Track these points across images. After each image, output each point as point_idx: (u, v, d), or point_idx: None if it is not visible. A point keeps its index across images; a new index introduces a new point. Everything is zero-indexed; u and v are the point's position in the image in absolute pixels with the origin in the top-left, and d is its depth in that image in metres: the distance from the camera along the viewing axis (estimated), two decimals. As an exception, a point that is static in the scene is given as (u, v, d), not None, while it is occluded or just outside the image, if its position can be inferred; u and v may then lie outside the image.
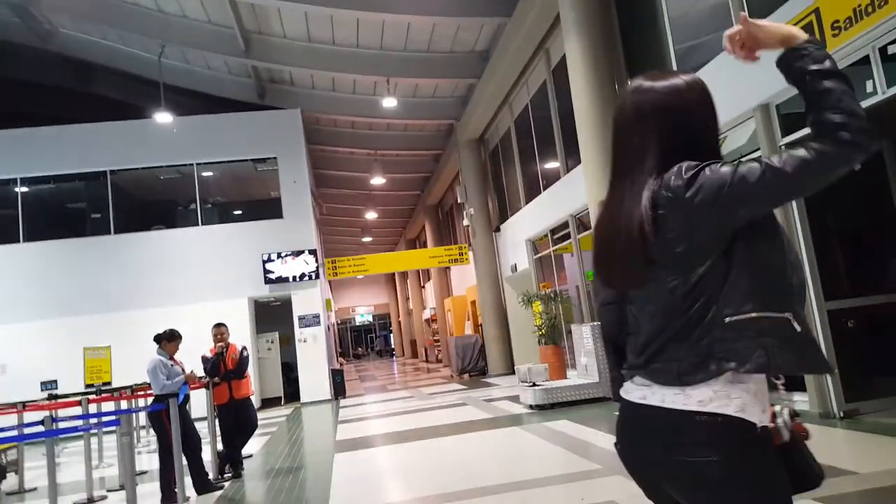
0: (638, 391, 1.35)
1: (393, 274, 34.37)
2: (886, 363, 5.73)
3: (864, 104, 5.04)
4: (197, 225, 14.77)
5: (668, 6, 7.79)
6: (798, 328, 1.23)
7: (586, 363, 8.88)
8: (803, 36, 1.25)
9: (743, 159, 1.23)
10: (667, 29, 7.81)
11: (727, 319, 1.23)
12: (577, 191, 9.31)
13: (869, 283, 5.98)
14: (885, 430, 5.03)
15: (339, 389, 14.61)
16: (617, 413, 1.42)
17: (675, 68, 7.64)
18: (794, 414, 1.35)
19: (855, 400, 5.52)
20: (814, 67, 1.21)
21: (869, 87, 4.93)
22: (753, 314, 1.22)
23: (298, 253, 14.53)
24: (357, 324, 43.78)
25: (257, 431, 7.36)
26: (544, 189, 12.28)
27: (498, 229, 15.43)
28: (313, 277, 14.53)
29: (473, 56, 13.36)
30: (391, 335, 41.61)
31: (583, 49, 8.61)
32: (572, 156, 10.11)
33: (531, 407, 8.64)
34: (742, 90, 5.90)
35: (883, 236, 6.21)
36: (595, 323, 8.97)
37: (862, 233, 6.30)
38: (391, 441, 7.85)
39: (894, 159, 5.97)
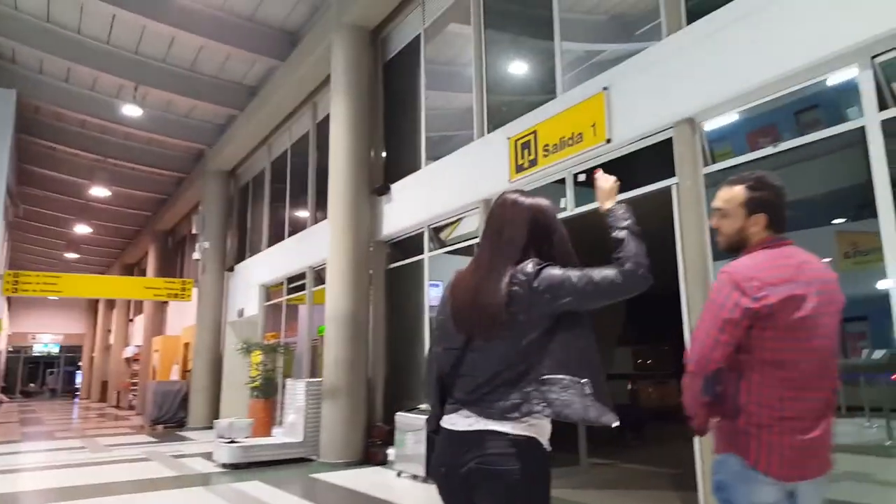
0: (465, 420, 1.81)
1: (96, 301, 29.94)
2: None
3: (560, 216, 6.04)
4: None
5: (425, 100, 8.56)
6: (589, 391, 1.73)
7: (293, 421, 8.63)
8: (612, 203, 1.94)
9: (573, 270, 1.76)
10: (422, 118, 8.54)
11: (543, 377, 1.74)
12: (321, 243, 9.35)
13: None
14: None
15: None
16: (429, 440, 1.98)
17: (423, 152, 8.34)
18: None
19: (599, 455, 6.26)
20: (621, 224, 1.84)
21: (563, 203, 5.94)
22: (560, 376, 1.74)
23: (-30, 255, 11.81)
24: (36, 354, 36.35)
25: None
26: (289, 235, 12.08)
27: (231, 269, 14.60)
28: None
29: (241, 88, 12.90)
30: (78, 372, 35.54)
31: (347, 114, 8.93)
32: (322, 208, 10.18)
33: (224, 466, 8.00)
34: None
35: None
36: (312, 379, 8.85)
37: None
38: (41, 500, 6.53)
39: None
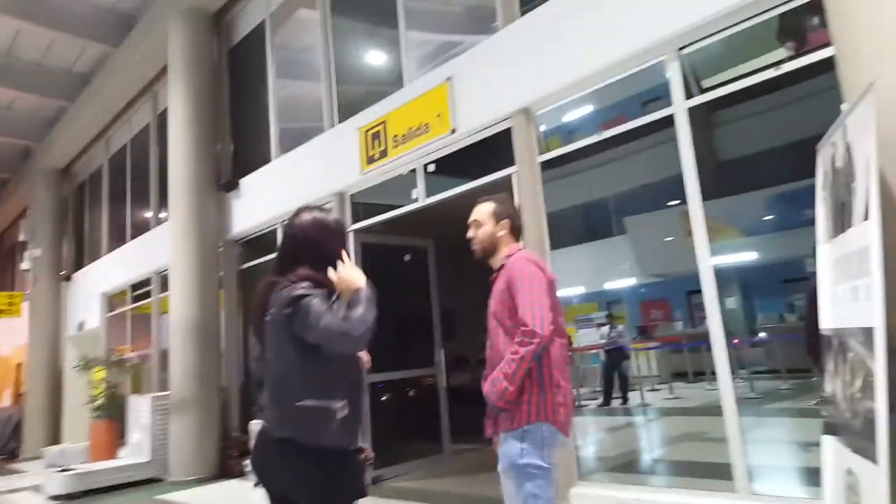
0: (266, 425, 2.02)
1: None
2: (411, 429, 6.60)
3: (410, 208, 5.98)
4: None
5: (275, 89, 8.15)
6: (332, 412, 1.89)
7: (139, 440, 7.90)
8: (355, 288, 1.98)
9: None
10: (272, 108, 8.12)
11: (297, 399, 1.89)
12: (166, 246, 8.61)
13: (403, 361, 6.92)
14: (402, 495, 5.66)
15: None
16: None
17: (274, 144, 7.94)
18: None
19: (380, 466, 6.14)
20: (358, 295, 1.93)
21: (414, 194, 5.88)
22: (308, 401, 1.89)
23: None
24: None
25: None
26: (132, 238, 11.05)
27: (68, 278, 13.15)
28: None
29: (71, 77, 11.55)
30: None
31: (187, 104, 8.28)
32: (167, 208, 9.40)
33: (56, 498, 7.13)
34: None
35: (421, 323, 7.33)
36: (158, 393, 8.15)
37: (406, 319, 7.34)
38: None
39: (434, 259, 7.19)
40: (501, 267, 2.44)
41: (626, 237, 12.58)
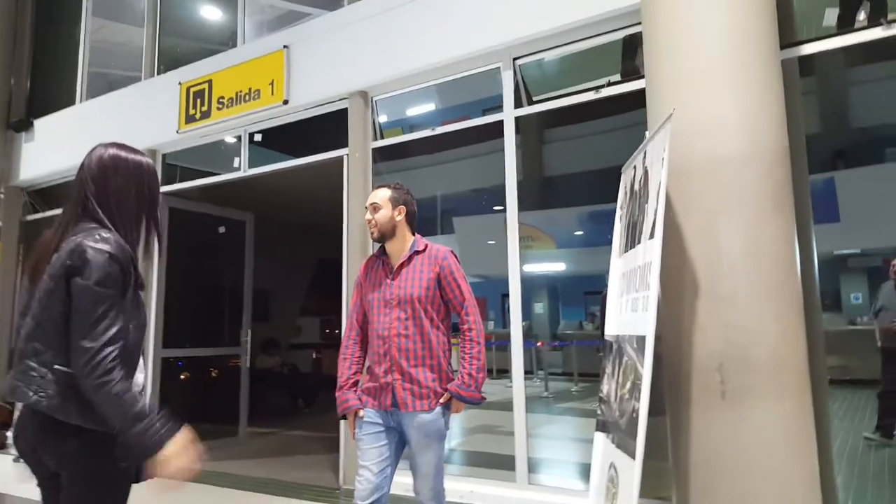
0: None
1: None
2: (208, 410, 6.16)
3: (229, 177, 5.56)
4: None
5: (90, 28, 7.14)
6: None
7: None
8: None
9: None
10: (84, 48, 7.11)
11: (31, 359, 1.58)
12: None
13: (207, 338, 6.45)
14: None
15: None
16: None
17: (81, 86, 6.97)
18: None
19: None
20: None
21: (236, 163, 5.47)
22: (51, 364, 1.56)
23: None
24: None
25: None
26: None
27: None
28: None
29: None
30: None
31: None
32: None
33: None
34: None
35: (232, 300, 6.87)
36: None
37: (215, 295, 6.83)
38: None
39: (252, 234, 6.76)
40: (415, 254, 2.58)
41: (454, 236, 13.03)
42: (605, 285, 3.69)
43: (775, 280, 2.68)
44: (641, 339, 2.54)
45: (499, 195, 4.23)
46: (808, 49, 3.17)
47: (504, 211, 4.12)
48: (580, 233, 11.67)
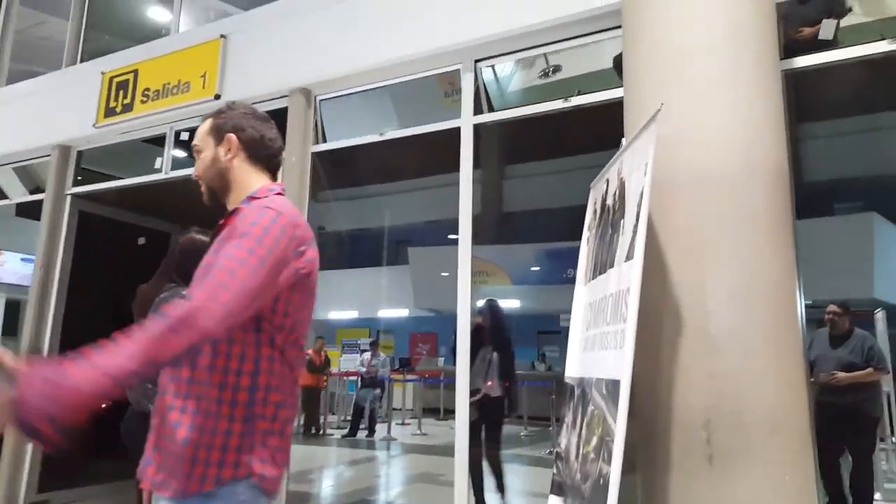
0: None
1: None
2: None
3: (148, 179, 4.93)
4: None
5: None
6: None
7: None
8: None
9: None
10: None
11: None
12: None
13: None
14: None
15: None
16: None
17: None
18: None
19: (53, 489, 4.85)
20: None
21: (158, 163, 4.84)
22: None
23: None
24: None
25: None
26: None
27: None
28: None
29: None
30: None
31: None
32: None
33: None
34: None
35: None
36: None
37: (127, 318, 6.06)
38: None
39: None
40: (233, 213, 1.50)
41: (408, 268, 12.50)
42: (562, 326, 3.19)
43: (774, 320, 2.24)
44: (613, 385, 2.05)
45: (455, 227, 3.75)
46: (803, 62, 2.81)
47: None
48: (536, 268, 11.34)
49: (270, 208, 1.41)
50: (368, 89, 4.13)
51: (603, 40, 3.38)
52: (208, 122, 1.59)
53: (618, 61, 3.01)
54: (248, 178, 1.54)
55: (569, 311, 2.97)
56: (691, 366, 2.25)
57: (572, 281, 2.98)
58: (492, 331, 4.69)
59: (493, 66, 3.76)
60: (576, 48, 3.50)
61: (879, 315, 6.26)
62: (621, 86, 2.77)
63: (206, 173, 1.56)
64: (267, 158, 1.59)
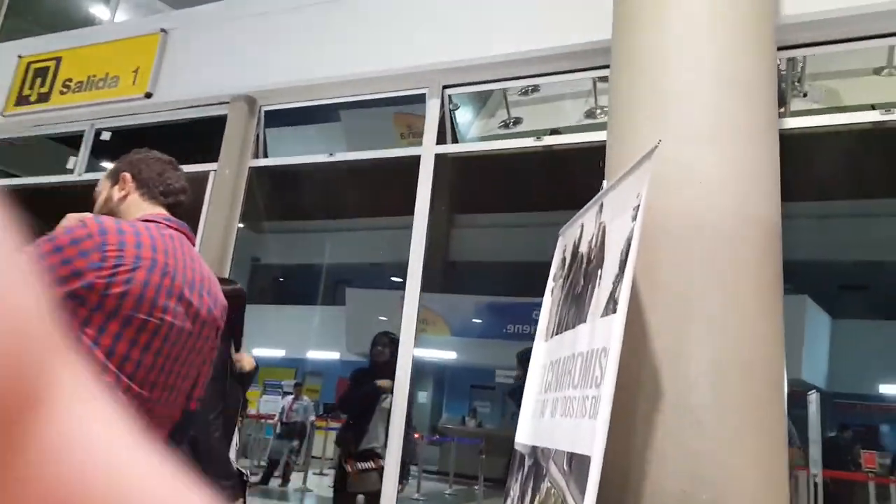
0: None
1: None
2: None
3: (60, 179, 4.36)
4: None
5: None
6: None
7: None
8: None
9: None
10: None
11: None
12: None
13: None
14: None
15: None
16: None
17: None
18: None
19: None
20: None
21: (71, 163, 4.28)
22: None
23: None
24: None
25: None
26: None
27: None
28: None
29: None
30: None
31: None
32: None
33: None
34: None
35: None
36: None
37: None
38: None
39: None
40: None
41: (343, 308, 11.93)
42: (497, 382, 2.85)
43: (758, 404, 1.96)
44: (579, 461, 1.71)
45: (399, 270, 3.38)
46: (793, 123, 2.66)
47: (402, 287, 3.22)
48: (477, 321, 11.03)
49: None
50: (321, 104, 3.77)
51: (575, 79, 3.18)
52: (109, 168, 1.60)
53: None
54: (137, 213, 1.46)
55: (506, 367, 2.63)
56: (668, 444, 1.93)
57: (513, 336, 2.66)
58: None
59: (453, 112, 3.50)
60: (539, 104, 3.30)
61: (812, 397, 6.25)
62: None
63: (99, 213, 1.50)
64: (164, 195, 1.51)
